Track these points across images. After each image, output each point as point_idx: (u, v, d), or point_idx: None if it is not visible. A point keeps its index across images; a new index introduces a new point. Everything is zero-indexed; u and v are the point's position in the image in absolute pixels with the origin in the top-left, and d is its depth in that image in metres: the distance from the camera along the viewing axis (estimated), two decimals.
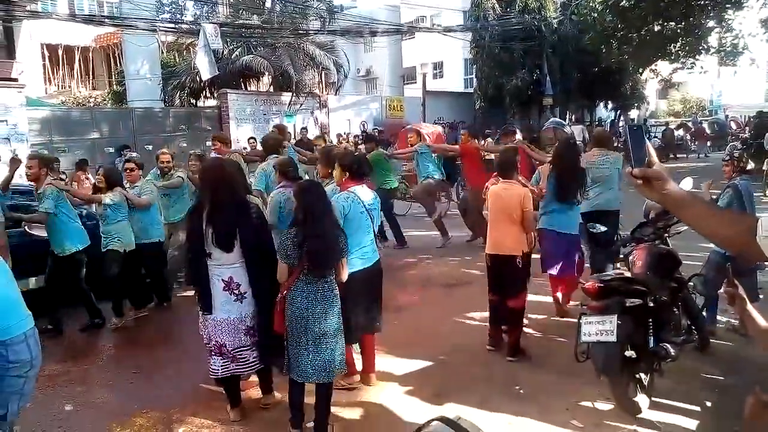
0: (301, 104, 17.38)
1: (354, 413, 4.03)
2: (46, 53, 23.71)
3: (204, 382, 4.48)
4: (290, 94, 17.03)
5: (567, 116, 25.51)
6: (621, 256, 5.34)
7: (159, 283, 6.67)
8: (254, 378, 4.24)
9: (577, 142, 7.28)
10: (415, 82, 29.23)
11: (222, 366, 3.83)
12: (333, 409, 3.82)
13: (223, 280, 3.75)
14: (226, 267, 3.75)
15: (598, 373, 3.75)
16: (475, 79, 24.48)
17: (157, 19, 16.30)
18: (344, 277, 3.76)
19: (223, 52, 15.75)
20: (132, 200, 6.09)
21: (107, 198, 5.92)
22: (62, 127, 13.36)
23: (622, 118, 29.19)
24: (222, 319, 3.78)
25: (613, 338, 3.62)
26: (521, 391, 4.22)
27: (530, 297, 5.16)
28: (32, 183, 5.94)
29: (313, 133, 17.23)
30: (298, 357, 3.57)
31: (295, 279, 3.57)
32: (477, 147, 9.05)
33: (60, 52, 23.90)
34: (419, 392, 4.25)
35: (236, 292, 3.78)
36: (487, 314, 5.10)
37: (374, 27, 20.32)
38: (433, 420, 1.64)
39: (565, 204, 5.42)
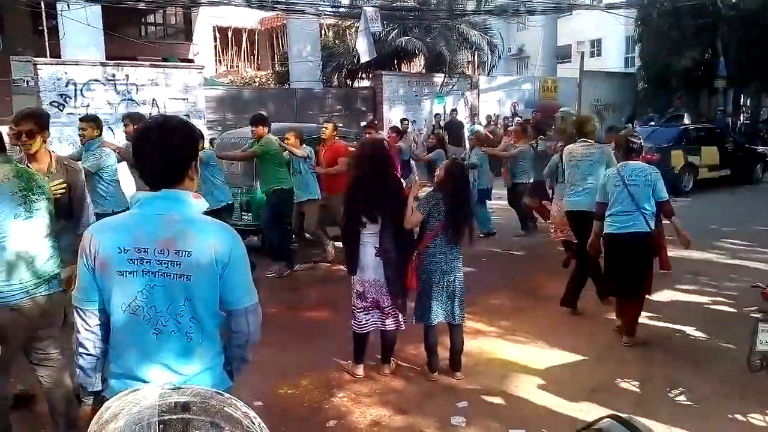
0: (453, 86, 17.44)
1: (498, 399, 4.14)
2: (218, 35, 25.77)
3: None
4: (443, 75, 17.15)
5: (741, 101, 23.25)
6: None
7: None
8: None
9: None
10: (570, 61, 28.03)
11: (372, 321, 4.43)
12: (478, 391, 4.13)
13: (375, 246, 4.30)
14: (376, 235, 4.29)
15: None
16: (637, 59, 22.99)
17: (320, 2, 17.07)
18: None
19: (380, 34, 16.20)
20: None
21: None
22: (234, 106, 14.54)
23: None
24: (376, 280, 4.34)
25: None
26: (681, 396, 4.09)
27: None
28: None
29: (463, 115, 17.25)
30: (433, 304, 4.30)
31: (433, 239, 4.27)
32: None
33: (229, 34, 25.85)
34: (569, 386, 4.24)
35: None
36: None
37: (532, 5, 19.72)
38: (604, 417, 1.65)
39: None
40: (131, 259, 1.90)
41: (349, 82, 19.10)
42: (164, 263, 1.90)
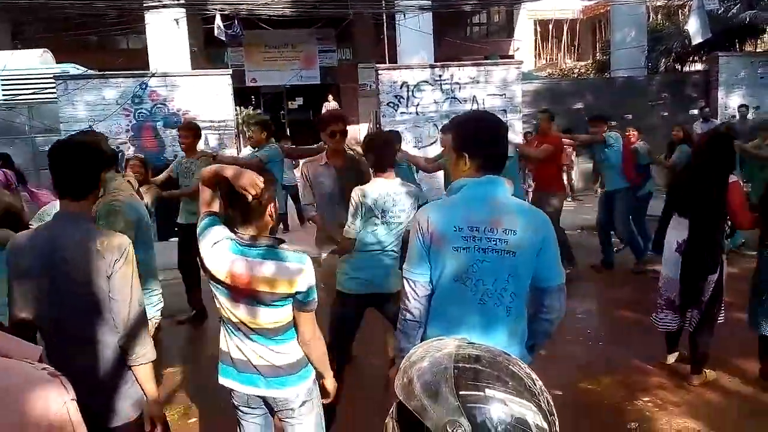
0: None
1: None
2: (538, 29, 25.94)
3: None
4: None
5: None
6: None
7: None
8: None
9: None
10: None
11: (670, 320, 4.31)
12: None
13: (677, 241, 4.17)
14: (682, 230, 4.12)
15: None
16: None
17: None
18: None
19: (717, 10, 14.42)
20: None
21: None
22: (550, 98, 14.54)
23: None
24: (671, 278, 4.24)
25: None
26: None
27: None
28: None
29: None
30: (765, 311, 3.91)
31: None
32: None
33: (550, 26, 25.80)
34: None
35: None
36: None
37: None
38: None
39: None
40: (465, 237, 2.12)
41: (678, 66, 17.46)
42: (493, 240, 2.10)
